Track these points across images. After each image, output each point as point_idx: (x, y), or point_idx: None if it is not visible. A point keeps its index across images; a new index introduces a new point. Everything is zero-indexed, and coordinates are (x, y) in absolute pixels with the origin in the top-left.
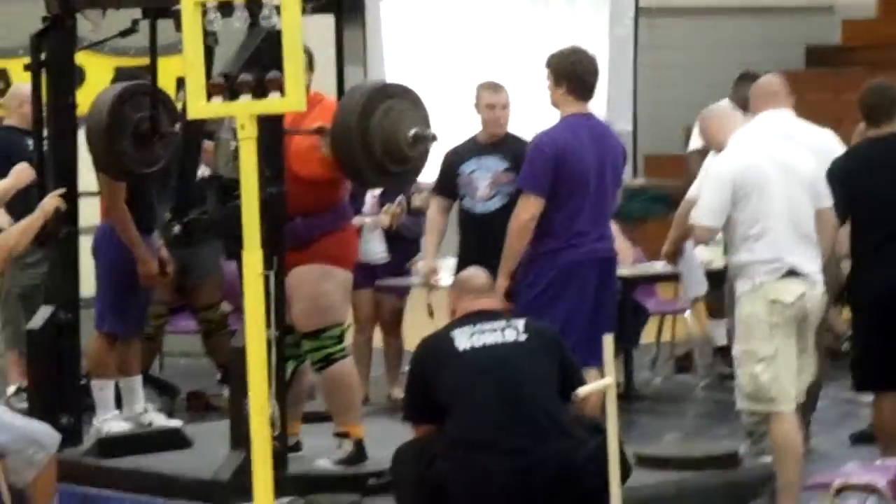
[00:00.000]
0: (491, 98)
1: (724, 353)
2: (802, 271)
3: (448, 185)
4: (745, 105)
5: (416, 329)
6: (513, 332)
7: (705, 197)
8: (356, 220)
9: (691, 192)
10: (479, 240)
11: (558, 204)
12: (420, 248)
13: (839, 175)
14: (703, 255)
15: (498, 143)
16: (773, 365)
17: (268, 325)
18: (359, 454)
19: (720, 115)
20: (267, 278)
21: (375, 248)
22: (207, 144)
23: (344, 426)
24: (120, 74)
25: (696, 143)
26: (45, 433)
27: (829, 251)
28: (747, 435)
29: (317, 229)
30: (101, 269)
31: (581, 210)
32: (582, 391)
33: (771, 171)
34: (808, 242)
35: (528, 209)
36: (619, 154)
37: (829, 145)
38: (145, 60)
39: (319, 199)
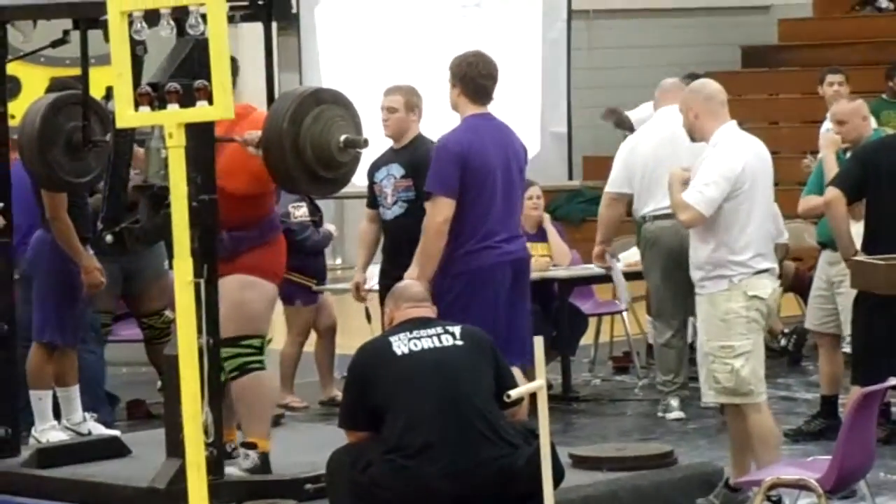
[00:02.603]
0: (382, 101)
1: None
2: (771, 268)
3: (371, 194)
4: None
5: (353, 334)
6: (449, 337)
7: (707, 187)
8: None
9: (612, 183)
10: (390, 246)
11: (467, 205)
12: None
13: (859, 154)
14: (638, 256)
15: (402, 150)
16: (752, 359)
17: (199, 333)
18: (264, 467)
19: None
20: (198, 286)
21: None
22: (139, 151)
23: (252, 437)
24: (54, 85)
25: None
26: None
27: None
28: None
29: (242, 243)
30: (40, 280)
31: (491, 211)
32: (514, 393)
33: (758, 169)
34: (772, 239)
35: (441, 212)
36: (523, 154)
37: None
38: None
39: (246, 215)
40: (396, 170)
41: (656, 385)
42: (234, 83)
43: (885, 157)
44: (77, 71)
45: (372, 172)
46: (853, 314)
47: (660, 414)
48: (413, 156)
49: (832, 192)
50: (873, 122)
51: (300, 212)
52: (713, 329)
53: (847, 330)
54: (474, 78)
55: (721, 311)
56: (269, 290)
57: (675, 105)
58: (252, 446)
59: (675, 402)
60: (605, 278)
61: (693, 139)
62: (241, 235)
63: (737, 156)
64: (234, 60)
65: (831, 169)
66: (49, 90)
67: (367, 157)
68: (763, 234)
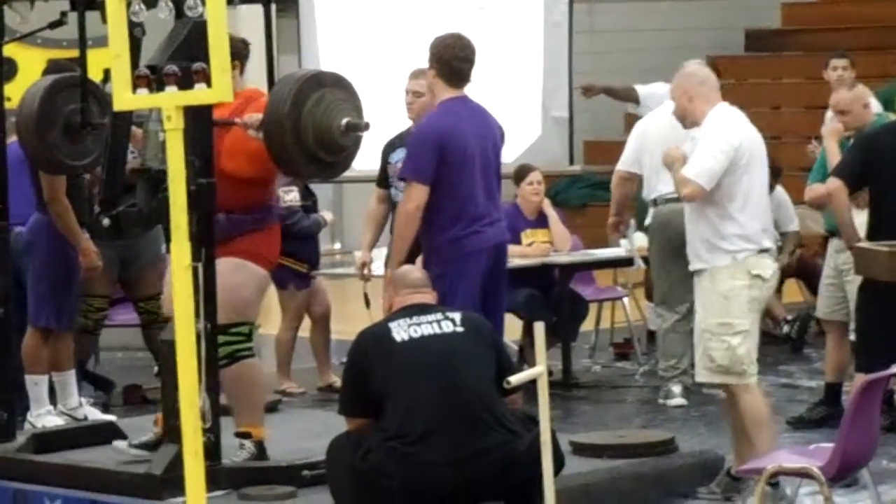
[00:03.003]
0: (407, 84)
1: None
2: (772, 249)
3: (383, 174)
4: None
5: (351, 320)
6: (449, 323)
7: (708, 159)
8: None
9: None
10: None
11: (448, 190)
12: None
13: (860, 142)
14: (642, 242)
15: None
16: (749, 338)
17: (197, 318)
18: (260, 455)
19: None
20: (195, 270)
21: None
22: (136, 133)
23: (246, 426)
24: (51, 67)
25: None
26: None
27: None
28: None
29: (238, 227)
30: (37, 263)
31: (473, 195)
32: (514, 379)
33: (754, 147)
34: (771, 222)
35: (413, 198)
36: (500, 136)
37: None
38: (78, 52)
39: (244, 198)
40: None
41: (658, 371)
42: (244, 67)
43: (888, 144)
44: (74, 53)
45: (387, 152)
46: (857, 302)
47: (661, 401)
48: None
49: (833, 182)
50: (876, 107)
51: (289, 196)
52: (713, 305)
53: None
54: (450, 60)
55: (723, 287)
56: (261, 275)
57: None
58: (246, 436)
59: (676, 389)
60: (607, 263)
61: (685, 125)
62: (238, 218)
63: (733, 130)
64: (245, 43)
65: (833, 158)
66: (46, 72)
67: (372, 139)
68: (764, 212)
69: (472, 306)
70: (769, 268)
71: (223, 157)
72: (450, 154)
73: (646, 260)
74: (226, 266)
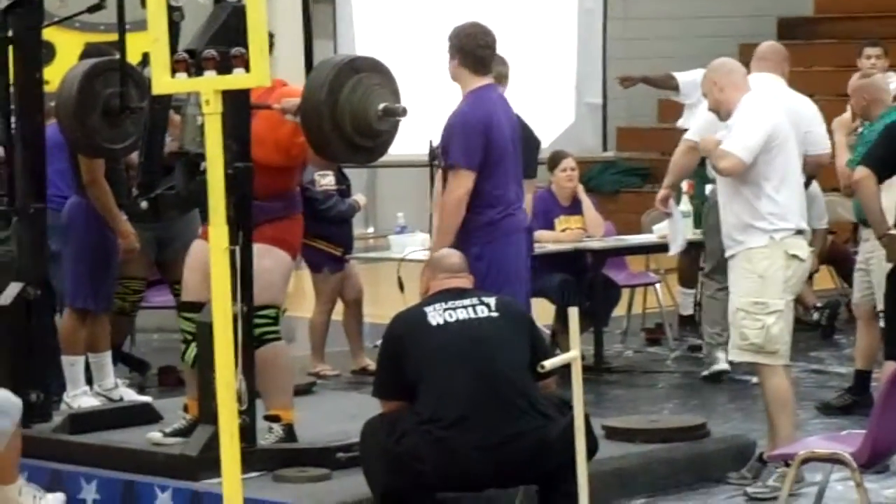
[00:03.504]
0: None
1: (691, 322)
2: (807, 231)
3: None
4: None
5: (384, 303)
6: (484, 308)
7: (745, 135)
8: None
9: (690, 133)
10: None
11: (487, 174)
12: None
13: (889, 131)
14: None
15: None
16: (783, 319)
17: (234, 300)
18: (290, 439)
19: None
20: (233, 253)
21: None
22: (174, 117)
23: (275, 409)
24: (88, 51)
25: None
26: (9, 401)
27: None
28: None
29: (264, 214)
30: (75, 245)
31: (508, 179)
32: (548, 363)
33: (789, 130)
34: (805, 205)
35: (463, 184)
36: (517, 125)
37: (803, 111)
38: (115, 36)
39: (271, 186)
40: None
41: (703, 338)
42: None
43: None
44: (111, 37)
45: None
46: (886, 289)
47: (704, 373)
48: None
49: (862, 171)
50: None
51: (325, 180)
52: (749, 284)
53: (880, 304)
54: (474, 50)
55: (760, 267)
56: (286, 260)
57: (768, 73)
58: (275, 419)
59: (721, 355)
60: (639, 249)
61: (721, 117)
62: (262, 205)
63: (767, 111)
64: (270, 36)
65: (839, 150)
66: (83, 56)
67: (408, 124)
68: (799, 193)
69: (508, 288)
70: (805, 249)
71: (251, 145)
72: (492, 140)
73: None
74: (254, 251)
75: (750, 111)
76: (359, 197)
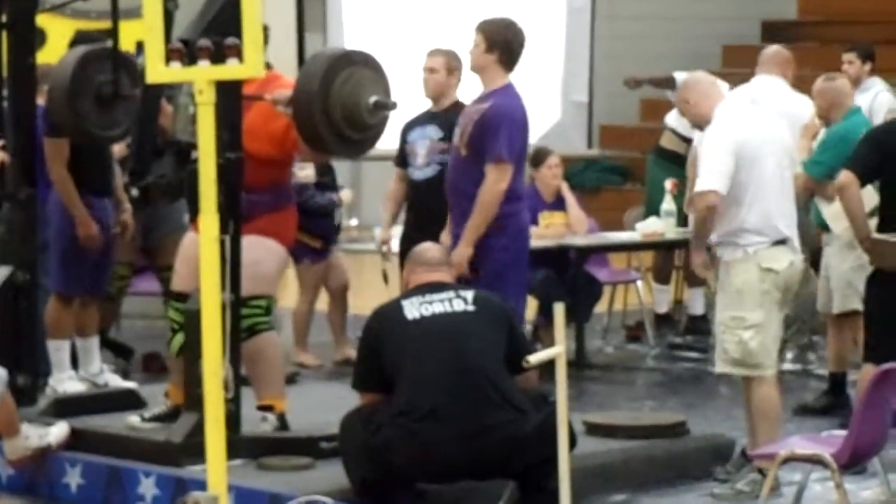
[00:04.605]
0: (425, 61)
1: (667, 321)
2: (790, 239)
3: (401, 153)
4: None
5: (368, 295)
6: (461, 302)
7: (713, 164)
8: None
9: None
10: (417, 207)
11: (516, 169)
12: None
13: (873, 136)
14: (656, 227)
15: (441, 113)
16: (762, 332)
17: (223, 289)
18: (283, 427)
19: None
20: (223, 242)
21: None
22: (165, 107)
23: (267, 399)
24: (79, 38)
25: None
26: None
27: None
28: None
29: (256, 206)
30: (53, 231)
31: (522, 173)
32: (532, 359)
33: (764, 139)
34: (791, 210)
35: (504, 178)
36: None
37: (801, 113)
38: (106, 24)
39: (263, 178)
40: (434, 132)
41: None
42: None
43: None
44: (102, 24)
45: (406, 132)
46: (866, 294)
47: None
48: (454, 120)
49: (846, 176)
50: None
51: (303, 172)
52: (727, 299)
53: (841, 306)
54: (516, 47)
55: (737, 281)
56: (279, 251)
57: (771, 75)
58: (268, 409)
59: None
60: (622, 247)
61: (701, 128)
62: (255, 198)
63: (733, 128)
64: (264, 28)
65: (802, 153)
66: (74, 43)
67: (395, 118)
68: (780, 203)
69: (530, 277)
70: (783, 259)
71: (244, 137)
72: (526, 135)
73: (654, 245)
74: (247, 242)
75: (713, 134)
76: (344, 193)
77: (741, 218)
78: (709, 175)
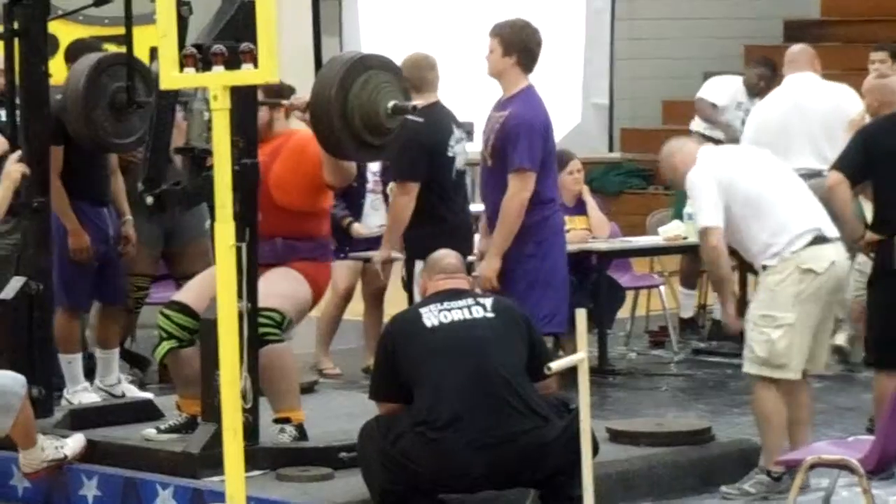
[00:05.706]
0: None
1: (691, 325)
2: (832, 237)
3: None
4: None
5: (395, 301)
6: (480, 309)
7: (703, 205)
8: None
9: None
10: None
11: (542, 175)
12: None
13: (860, 136)
14: (678, 230)
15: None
16: (791, 333)
17: (240, 297)
18: (302, 438)
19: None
20: (239, 250)
21: (375, 221)
22: (180, 122)
23: (284, 412)
24: (73, 46)
25: None
26: (10, 377)
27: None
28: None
29: (295, 252)
30: (57, 243)
31: (553, 178)
32: (554, 365)
33: (745, 161)
34: (819, 208)
35: (528, 186)
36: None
37: (846, 105)
38: (120, 30)
39: (300, 228)
40: None
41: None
42: (290, 111)
43: (886, 137)
44: (115, 30)
45: None
46: (868, 295)
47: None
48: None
49: (835, 176)
50: None
51: (366, 230)
52: (759, 297)
53: None
54: (533, 48)
55: (771, 280)
56: (305, 290)
57: (803, 72)
58: (285, 420)
59: None
60: (645, 251)
61: (677, 185)
62: (293, 244)
63: (704, 170)
64: (291, 89)
65: None
66: (68, 52)
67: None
68: (798, 203)
69: (565, 279)
70: (823, 260)
71: (273, 190)
72: (549, 140)
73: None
74: (281, 271)
75: (691, 183)
76: (357, 226)
77: (761, 236)
78: (705, 217)
